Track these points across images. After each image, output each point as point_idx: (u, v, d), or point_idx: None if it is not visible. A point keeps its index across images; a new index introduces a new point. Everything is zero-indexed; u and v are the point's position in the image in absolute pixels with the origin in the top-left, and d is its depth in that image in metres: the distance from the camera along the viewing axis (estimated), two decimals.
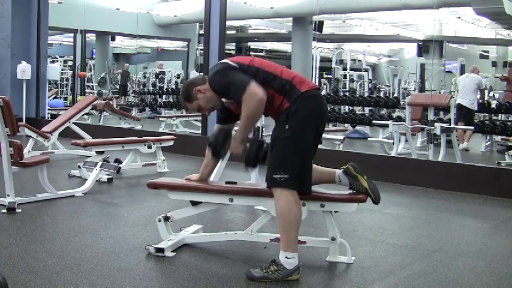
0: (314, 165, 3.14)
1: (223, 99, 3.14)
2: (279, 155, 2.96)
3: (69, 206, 4.58)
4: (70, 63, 15.98)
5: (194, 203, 3.44)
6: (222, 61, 3.16)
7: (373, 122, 9.83)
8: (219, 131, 3.19)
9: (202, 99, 3.14)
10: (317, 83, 12.42)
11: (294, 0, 13.99)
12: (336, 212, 3.25)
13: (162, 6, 16.14)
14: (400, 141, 7.93)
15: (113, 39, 16.82)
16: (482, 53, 17.08)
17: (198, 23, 15.38)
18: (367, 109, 11.84)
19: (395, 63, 18.41)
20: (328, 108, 10.90)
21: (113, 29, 15.44)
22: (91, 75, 15.85)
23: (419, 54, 13.88)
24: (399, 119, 9.48)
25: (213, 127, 3.32)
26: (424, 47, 13.73)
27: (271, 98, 2.99)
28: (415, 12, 14.43)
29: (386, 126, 8.33)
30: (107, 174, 5.66)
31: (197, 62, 15.54)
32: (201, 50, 12.36)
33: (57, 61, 16.00)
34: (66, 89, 15.74)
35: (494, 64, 16.23)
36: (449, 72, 12.72)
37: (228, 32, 8.42)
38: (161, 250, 3.29)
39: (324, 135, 7.37)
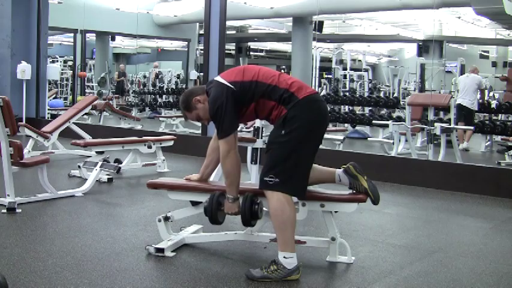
0: (314, 165, 3.15)
1: None
2: (273, 158, 2.97)
3: (69, 206, 4.58)
4: (70, 63, 15.97)
5: (194, 203, 3.44)
6: (220, 81, 3.05)
7: (373, 122, 9.84)
8: (211, 198, 3.16)
9: (201, 109, 3.15)
10: (317, 83, 12.43)
11: (294, 0, 13.98)
12: (336, 212, 3.25)
13: (162, 6, 16.13)
14: (400, 141, 7.93)
15: (113, 39, 16.79)
16: (482, 53, 17.08)
17: (198, 23, 15.37)
18: (367, 109, 11.83)
19: (395, 63, 18.38)
20: (328, 109, 11.00)
21: (113, 29, 15.43)
22: (91, 75, 15.85)
23: (419, 54, 13.86)
24: (399, 119, 9.48)
25: (214, 128, 3.32)
26: (424, 47, 13.71)
27: (271, 108, 3.01)
28: (415, 12, 14.41)
29: (387, 126, 8.34)
30: (107, 174, 5.66)
31: (197, 62, 15.53)
32: (201, 50, 12.35)
33: (57, 61, 15.98)
34: (66, 89, 15.73)
35: (494, 64, 16.22)
36: (449, 72, 12.71)
37: (228, 32, 8.41)
38: (161, 250, 3.29)
39: (324, 135, 7.37)
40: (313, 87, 3.31)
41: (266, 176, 2.95)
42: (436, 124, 7.32)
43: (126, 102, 15.19)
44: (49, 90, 11.60)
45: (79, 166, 5.63)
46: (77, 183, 5.37)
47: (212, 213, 3.15)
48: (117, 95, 15.19)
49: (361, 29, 18.07)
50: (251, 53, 19.37)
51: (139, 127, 10.38)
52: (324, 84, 13.61)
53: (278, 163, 2.94)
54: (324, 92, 12.54)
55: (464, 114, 9.06)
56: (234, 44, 17.81)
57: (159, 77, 15.54)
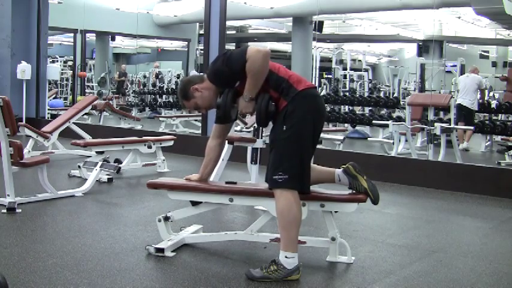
0: (314, 165, 3.15)
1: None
2: (279, 155, 2.96)
3: (69, 206, 4.58)
4: (70, 63, 15.97)
5: (194, 203, 3.44)
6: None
7: (373, 122, 9.84)
8: (226, 92, 3.07)
9: (199, 98, 3.15)
10: (317, 83, 12.42)
11: (294, 0, 13.98)
12: (336, 212, 3.25)
13: (162, 6, 16.13)
14: (400, 141, 7.93)
15: (113, 39, 16.81)
16: (482, 53, 17.07)
17: (198, 23, 15.37)
18: (367, 109, 11.84)
19: (395, 63, 18.39)
20: (328, 108, 11.06)
21: (113, 29, 15.44)
22: (91, 75, 15.85)
23: (419, 54, 13.87)
24: (399, 119, 9.49)
25: (212, 127, 3.33)
26: (424, 47, 13.73)
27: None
28: (415, 12, 14.42)
29: (387, 126, 8.34)
30: (107, 174, 5.66)
31: (197, 62, 15.53)
32: (201, 50, 12.36)
33: (57, 61, 15.99)
34: (66, 89, 15.74)
35: (494, 64, 16.22)
36: (449, 72, 12.72)
37: (228, 32, 8.41)
38: (161, 250, 3.29)
39: (324, 135, 7.38)
40: None
41: (275, 174, 2.94)
42: (436, 124, 7.32)
43: (126, 102, 15.19)
44: (49, 90, 11.59)
45: (79, 166, 5.63)
46: (77, 183, 5.37)
47: (226, 108, 3.05)
48: (117, 95, 15.19)
49: (361, 29, 18.07)
50: None
51: (139, 127, 10.39)
52: (324, 84, 13.61)
53: (284, 160, 2.94)
54: (324, 92, 12.55)
55: (464, 114, 9.07)
56: (234, 44, 17.81)
57: (159, 77, 15.54)
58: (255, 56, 2.89)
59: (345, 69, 13.31)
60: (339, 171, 3.23)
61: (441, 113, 9.84)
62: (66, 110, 9.31)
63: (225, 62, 3.00)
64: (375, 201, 3.18)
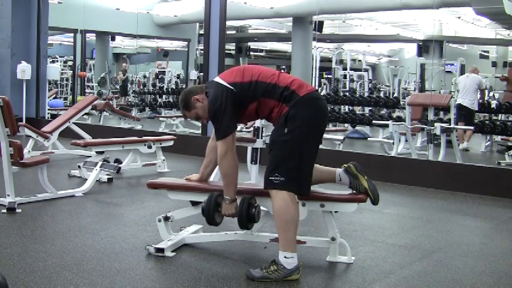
0: (315, 165, 3.15)
1: None
2: (277, 157, 2.97)
3: (69, 206, 4.58)
4: (70, 63, 15.96)
5: (194, 203, 3.44)
6: (220, 82, 3.06)
7: (373, 122, 9.84)
8: (209, 198, 3.14)
9: (200, 108, 3.16)
10: (317, 83, 12.42)
11: (294, 0, 13.98)
12: (336, 212, 3.25)
13: (162, 6, 16.13)
14: (400, 141, 7.93)
15: (113, 39, 16.79)
16: (482, 53, 17.06)
17: (198, 23, 15.37)
18: (367, 109, 11.84)
19: (395, 63, 18.37)
20: (328, 108, 11.01)
21: (113, 29, 15.42)
22: (91, 75, 15.84)
23: (419, 54, 13.87)
24: (399, 119, 9.48)
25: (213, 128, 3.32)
26: (424, 47, 13.72)
27: (272, 107, 3.02)
28: (415, 12, 14.41)
29: (387, 126, 8.33)
30: (107, 174, 5.66)
31: (197, 62, 15.53)
32: (201, 50, 12.35)
33: (57, 61, 15.98)
34: (66, 89, 15.73)
35: (494, 64, 16.21)
36: (449, 72, 12.71)
37: (228, 32, 8.41)
38: (161, 250, 3.29)
39: (324, 135, 7.35)
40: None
41: (271, 175, 2.95)
42: (436, 124, 7.31)
43: (126, 102, 15.19)
44: (49, 90, 11.59)
45: (79, 166, 5.64)
46: (77, 183, 5.37)
47: (210, 213, 3.13)
48: (117, 95, 15.17)
49: (361, 29, 18.06)
50: (251, 53, 19.35)
51: (139, 127, 10.39)
52: (324, 84, 13.60)
53: (282, 162, 2.94)
54: (324, 92, 12.54)
55: (464, 114, 9.07)
56: (234, 44, 17.80)
57: (159, 76, 15.54)
58: (221, 159, 3.02)
59: (345, 69, 13.30)
60: (340, 170, 3.24)
61: (441, 113, 9.83)
62: (66, 110, 9.31)
63: (212, 116, 3.03)
64: (375, 201, 3.19)
